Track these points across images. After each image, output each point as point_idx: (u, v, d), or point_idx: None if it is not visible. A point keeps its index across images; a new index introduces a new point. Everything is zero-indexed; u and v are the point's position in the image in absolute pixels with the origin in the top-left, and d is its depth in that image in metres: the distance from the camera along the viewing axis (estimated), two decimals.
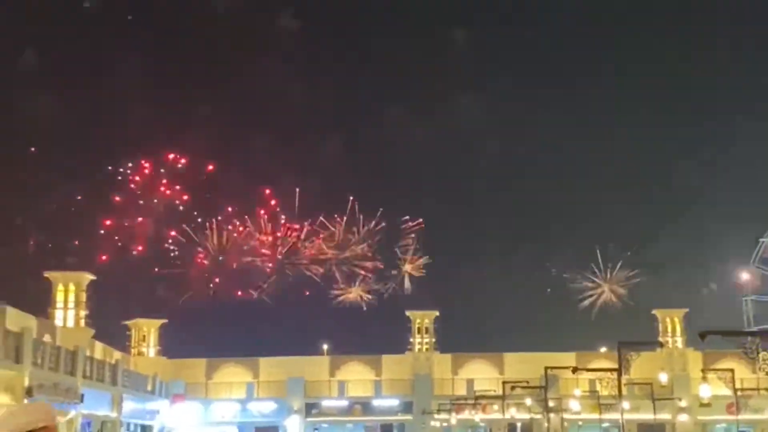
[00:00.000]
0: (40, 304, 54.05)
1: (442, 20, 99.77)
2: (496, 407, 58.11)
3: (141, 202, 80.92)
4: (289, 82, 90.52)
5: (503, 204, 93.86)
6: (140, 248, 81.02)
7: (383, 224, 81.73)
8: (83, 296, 54.77)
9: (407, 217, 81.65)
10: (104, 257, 75.89)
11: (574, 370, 40.37)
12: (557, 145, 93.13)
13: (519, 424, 62.91)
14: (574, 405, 50.14)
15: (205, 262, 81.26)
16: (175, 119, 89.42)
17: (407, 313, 71.30)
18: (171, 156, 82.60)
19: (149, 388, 59.94)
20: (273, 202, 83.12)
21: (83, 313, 54.45)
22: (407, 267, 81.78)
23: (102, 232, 78.81)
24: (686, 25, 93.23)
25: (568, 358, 60.53)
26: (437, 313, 71.12)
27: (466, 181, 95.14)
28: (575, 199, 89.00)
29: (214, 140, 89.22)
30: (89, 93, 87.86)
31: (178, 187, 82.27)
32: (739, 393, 44.88)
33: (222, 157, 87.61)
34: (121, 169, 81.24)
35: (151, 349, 68.47)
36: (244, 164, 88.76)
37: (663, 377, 43.99)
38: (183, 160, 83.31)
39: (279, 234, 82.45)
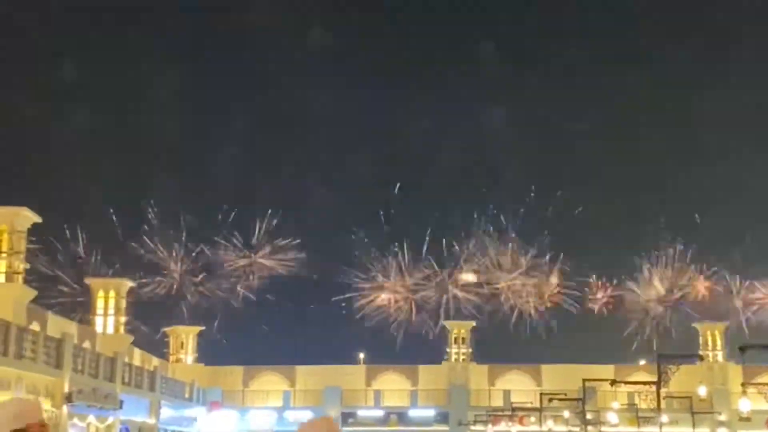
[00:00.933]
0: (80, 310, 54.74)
1: (469, 33, 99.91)
2: (533, 419, 57.74)
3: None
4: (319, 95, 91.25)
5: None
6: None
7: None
8: (123, 303, 55.27)
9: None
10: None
11: (613, 382, 40.11)
12: (584, 154, 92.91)
13: None
14: (612, 418, 49.76)
15: None
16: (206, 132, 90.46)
17: (444, 323, 71.25)
18: None
19: (187, 395, 60.30)
20: None
21: (123, 319, 54.95)
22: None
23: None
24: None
25: (607, 371, 60.01)
26: (474, 324, 71.12)
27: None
28: (608, 206, 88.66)
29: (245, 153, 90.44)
30: (124, 105, 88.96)
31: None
32: None
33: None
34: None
35: (189, 357, 68.94)
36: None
37: (702, 390, 43.55)
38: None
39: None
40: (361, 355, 75.17)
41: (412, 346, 78.42)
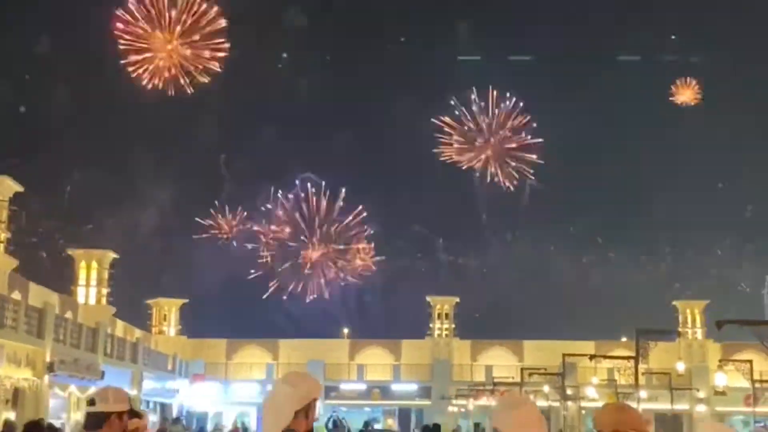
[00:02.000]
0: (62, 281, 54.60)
1: (448, 16, 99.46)
2: None
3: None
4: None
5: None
6: None
7: None
8: (105, 274, 55.23)
9: None
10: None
11: (592, 357, 40.42)
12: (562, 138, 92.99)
13: None
14: (591, 393, 50.16)
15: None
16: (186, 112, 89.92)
17: (428, 298, 71.47)
18: None
19: (169, 367, 60.39)
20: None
21: (105, 290, 54.92)
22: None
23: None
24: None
25: (588, 347, 60.39)
26: (458, 299, 71.35)
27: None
28: (581, 188, 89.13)
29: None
30: (100, 82, 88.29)
31: None
32: (757, 385, 44.67)
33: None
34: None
35: (171, 329, 69.00)
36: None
37: (680, 366, 43.99)
38: None
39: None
40: (345, 330, 75.44)
41: (395, 320, 78.74)
